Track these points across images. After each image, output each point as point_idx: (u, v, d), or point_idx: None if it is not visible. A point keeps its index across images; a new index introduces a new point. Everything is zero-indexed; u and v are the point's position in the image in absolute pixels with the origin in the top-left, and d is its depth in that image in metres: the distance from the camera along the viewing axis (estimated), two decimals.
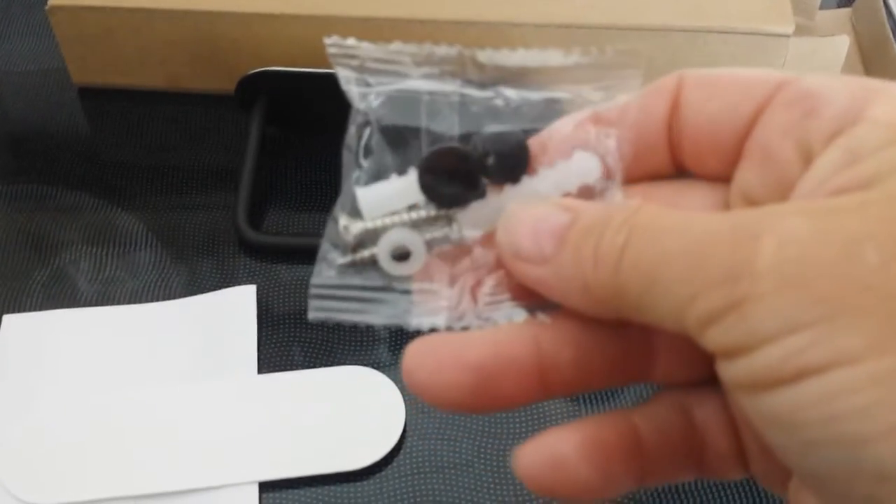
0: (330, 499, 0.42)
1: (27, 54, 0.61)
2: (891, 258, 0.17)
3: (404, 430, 0.44)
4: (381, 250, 0.23)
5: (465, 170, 0.23)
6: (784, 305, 0.17)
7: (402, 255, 0.23)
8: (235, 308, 0.48)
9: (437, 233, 0.23)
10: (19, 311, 0.48)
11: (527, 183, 0.23)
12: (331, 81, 0.53)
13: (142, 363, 0.46)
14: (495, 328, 0.21)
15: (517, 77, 0.23)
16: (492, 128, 0.23)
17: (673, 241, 0.18)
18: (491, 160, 0.23)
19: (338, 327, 0.47)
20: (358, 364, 0.46)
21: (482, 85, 0.23)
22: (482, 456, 0.44)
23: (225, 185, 0.54)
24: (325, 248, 0.23)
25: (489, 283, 0.22)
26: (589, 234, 0.20)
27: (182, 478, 0.42)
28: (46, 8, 0.54)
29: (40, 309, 0.48)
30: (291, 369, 0.46)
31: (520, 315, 0.21)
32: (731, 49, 0.53)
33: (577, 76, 0.23)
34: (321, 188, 0.54)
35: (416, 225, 0.23)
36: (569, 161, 0.22)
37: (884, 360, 0.16)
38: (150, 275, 0.50)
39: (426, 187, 0.23)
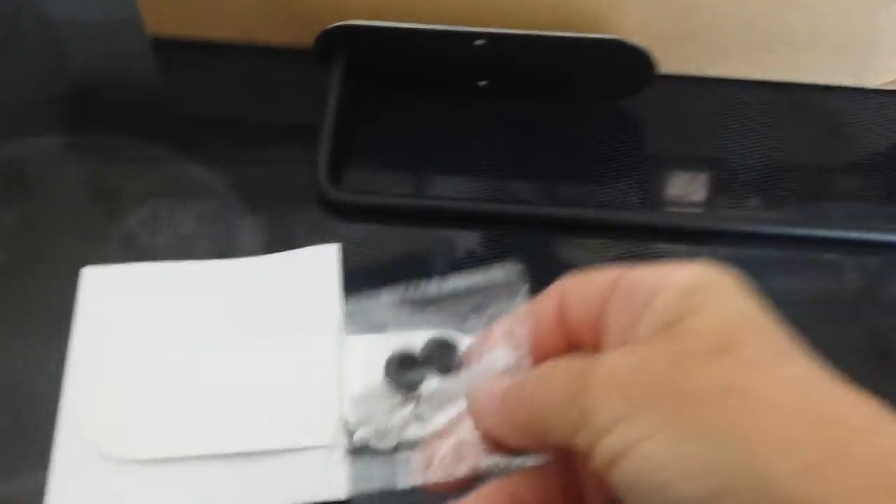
0: None
1: (100, 4, 0.60)
2: (672, 369, 0.25)
3: None
4: (369, 434, 0.35)
5: (416, 367, 0.34)
6: (609, 408, 0.26)
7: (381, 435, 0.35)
8: (318, 267, 0.47)
9: (406, 414, 0.34)
10: (98, 263, 0.47)
11: (463, 373, 0.31)
12: (414, 37, 0.51)
13: (221, 320, 0.45)
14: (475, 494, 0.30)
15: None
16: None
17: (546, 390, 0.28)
18: (432, 359, 0.34)
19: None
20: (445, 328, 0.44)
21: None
22: None
23: (303, 141, 0.52)
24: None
25: (449, 446, 0.30)
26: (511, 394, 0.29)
27: (267, 437, 0.41)
28: None
29: (118, 262, 0.47)
30: (374, 332, 0.45)
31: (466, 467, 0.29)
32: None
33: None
34: (400, 145, 0.53)
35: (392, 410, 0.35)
36: (489, 355, 0.30)
37: (673, 432, 0.24)
38: (227, 230, 0.49)
39: (389, 380, 0.35)
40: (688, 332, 0.26)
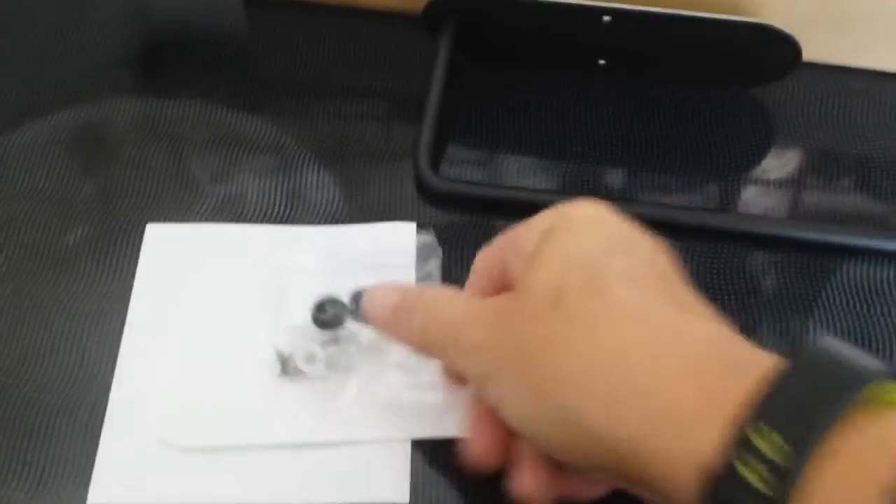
0: None
1: None
2: (517, 325, 0.30)
3: None
4: (298, 360, 0.39)
5: (337, 310, 0.39)
6: (478, 367, 0.32)
7: (310, 359, 0.39)
8: (395, 244, 0.43)
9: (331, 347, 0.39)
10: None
11: None
12: (529, 10, 0.45)
13: (286, 290, 0.42)
14: None
15: None
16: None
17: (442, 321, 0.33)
18: (352, 306, 0.39)
19: None
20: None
21: None
22: None
23: (400, 113, 0.48)
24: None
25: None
26: (404, 309, 0.35)
27: (330, 429, 0.38)
28: None
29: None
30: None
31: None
32: None
33: None
34: (506, 126, 0.48)
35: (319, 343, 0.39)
36: None
37: (520, 388, 0.30)
38: (313, 199, 0.45)
39: (314, 319, 0.39)
40: (528, 288, 0.30)
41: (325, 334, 0.39)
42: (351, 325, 0.39)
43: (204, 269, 0.43)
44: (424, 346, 0.34)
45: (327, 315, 0.39)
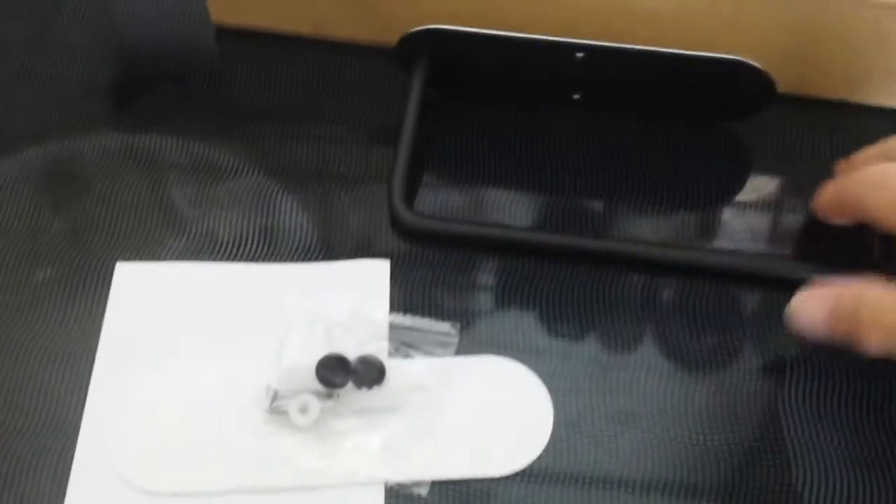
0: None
1: None
2: None
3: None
4: (292, 407, 0.38)
5: (344, 371, 0.39)
6: None
7: (303, 411, 0.38)
8: (366, 282, 0.43)
9: (326, 402, 0.38)
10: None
11: (376, 391, 0.39)
12: (502, 46, 0.44)
13: (260, 329, 0.41)
14: None
15: None
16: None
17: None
18: (360, 371, 0.39)
19: (474, 315, 0.42)
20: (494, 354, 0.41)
21: None
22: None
23: (372, 146, 0.48)
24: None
25: None
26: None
27: (300, 474, 0.37)
28: None
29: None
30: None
31: None
32: None
33: None
34: (481, 157, 0.48)
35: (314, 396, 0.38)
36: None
37: None
38: (287, 234, 0.45)
39: (319, 375, 0.38)
40: None
41: (324, 389, 0.39)
42: (350, 386, 0.39)
43: (175, 309, 0.42)
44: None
45: (336, 377, 0.38)
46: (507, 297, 0.43)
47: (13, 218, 0.45)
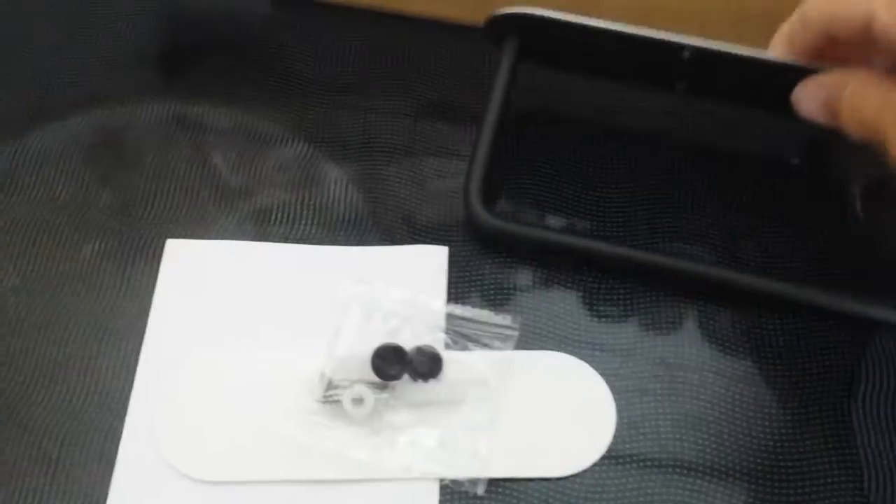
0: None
1: None
2: None
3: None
4: (345, 397, 0.37)
5: (400, 362, 0.37)
6: None
7: (357, 402, 0.37)
8: (424, 269, 0.42)
9: (380, 394, 0.37)
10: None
11: (432, 384, 0.37)
12: (614, 40, 0.41)
13: (310, 312, 0.40)
14: None
15: None
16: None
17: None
18: (416, 362, 0.37)
19: (535, 308, 0.40)
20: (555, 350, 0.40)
21: None
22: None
23: (446, 130, 0.46)
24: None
25: None
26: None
27: (352, 467, 0.36)
28: None
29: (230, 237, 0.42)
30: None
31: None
32: None
33: None
34: (551, 176, 0.46)
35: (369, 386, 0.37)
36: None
37: None
38: (339, 215, 0.43)
39: (374, 366, 0.37)
40: None
41: (379, 380, 0.37)
42: (406, 378, 0.37)
43: (226, 290, 0.41)
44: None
45: (392, 368, 0.37)
46: (569, 292, 0.41)
47: (61, 188, 0.44)
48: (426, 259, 0.42)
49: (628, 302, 0.41)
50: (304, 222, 0.43)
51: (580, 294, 0.41)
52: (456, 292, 0.41)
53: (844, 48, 0.35)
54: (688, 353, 0.40)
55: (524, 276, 0.42)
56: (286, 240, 0.42)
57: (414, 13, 0.50)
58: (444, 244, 0.42)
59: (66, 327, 0.40)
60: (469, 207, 0.42)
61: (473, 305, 0.40)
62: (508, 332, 0.39)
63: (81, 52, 0.49)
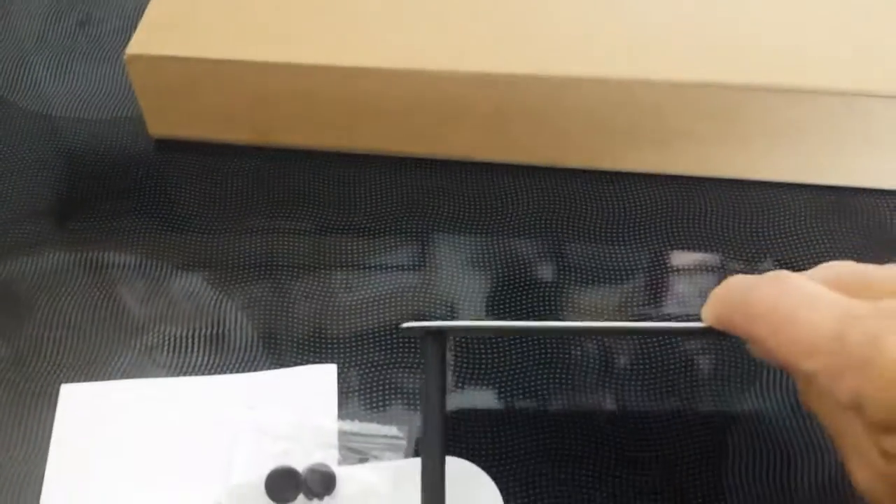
0: None
1: (99, 101, 0.56)
2: None
3: None
4: None
5: (294, 484, 0.39)
6: None
7: None
8: (314, 388, 0.43)
9: None
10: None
11: (328, 501, 0.39)
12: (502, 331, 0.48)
13: (208, 443, 0.41)
14: None
15: None
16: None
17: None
18: (310, 481, 0.39)
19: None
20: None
21: None
22: None
23: (325, 253, 0.48)
24: None
25: None
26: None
27: None
28: (125, 57, 0.49)
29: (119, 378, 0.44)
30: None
31: None
32: (893, 114, 0.47)
33: None
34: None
35: None
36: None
37: None
38: (233, 343, 0.45)
39: (267, 488, 0.39)
40: None
41: None
42: (301, 499, 0.39)
43: (121, 429, 0.42)
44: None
45: (286, 491, 0.39)
46: (457, 395, 0.43)
47: None
48: (316, 378, 0.44)
49: (518, 392, 0.43)
50: (196, 353, 0.45)
51: (470, 390, 0.43)
52: (347, 407, 0.43)
53: None
54: (580, 446, 0.42)
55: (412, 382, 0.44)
56: (180, 372, 0.44)
57: (294, 145, 0.53)
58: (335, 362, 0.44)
59: None
60: None
61: (363, 420, 0.42)
62: (396, 441, 0.41)
63: None
